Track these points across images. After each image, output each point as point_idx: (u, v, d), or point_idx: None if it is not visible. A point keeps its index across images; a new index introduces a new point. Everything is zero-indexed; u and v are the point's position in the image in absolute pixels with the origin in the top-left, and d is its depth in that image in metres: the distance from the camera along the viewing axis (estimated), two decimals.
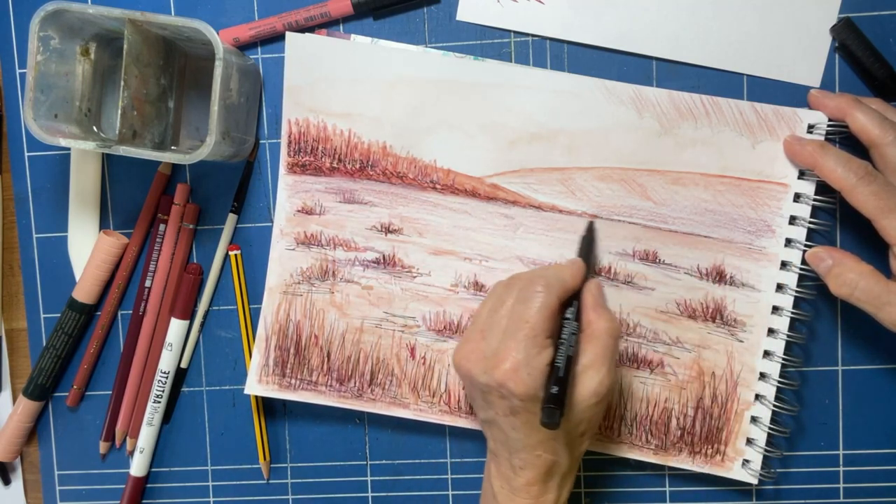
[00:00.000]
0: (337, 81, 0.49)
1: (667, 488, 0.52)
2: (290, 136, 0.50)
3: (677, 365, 0.50)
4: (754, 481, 0.49)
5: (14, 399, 0.55)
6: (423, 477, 0.54)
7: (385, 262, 0.51)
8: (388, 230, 0.51)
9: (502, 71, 0.49)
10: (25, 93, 0.45)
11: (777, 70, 0.49)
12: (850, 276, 0.44)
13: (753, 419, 0.49)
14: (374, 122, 0.50)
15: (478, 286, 0.50)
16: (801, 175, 0.47)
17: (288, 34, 0.49)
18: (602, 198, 0.49)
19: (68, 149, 0.52)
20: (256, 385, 0.51)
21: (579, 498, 0.53)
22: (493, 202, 0.50)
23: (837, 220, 0.49)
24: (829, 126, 0.47)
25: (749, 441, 0.49)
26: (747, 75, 0.49)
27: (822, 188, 0.46)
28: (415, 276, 0.51)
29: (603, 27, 0.49)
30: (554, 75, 0.49)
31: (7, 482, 0.56)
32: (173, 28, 0.45)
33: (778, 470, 0.51)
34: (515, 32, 0.50)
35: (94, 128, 0.51)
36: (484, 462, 0.48)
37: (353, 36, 0.50)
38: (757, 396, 0.49)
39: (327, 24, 0.50)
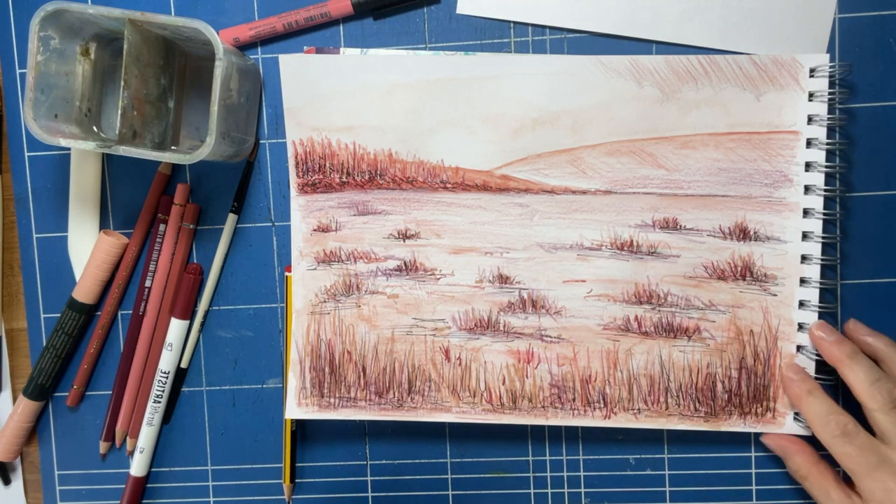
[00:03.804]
0: (334, 97, 0.49)
1: (666, 488, 0.52)
2: (296, 157, 0.50)
3: (714, 328, 0.49)
4: (808, 433, 0.49)
5: (14, 399, 0.55)
6: (423, 477, 0.53)
7: (407, 269, 0.51)
8: (405, 236, 0.50)
9: (495, 62, 0.49)
10: (25, 93, 0.45)
11: (782, 45, 0.48)
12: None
13: None
14: (377, 131, 0.50)
15: (502, 279, 0.50)
16: (811, 120, 0.47)
17: (280, 57, 0.49)
18: (613, 172, 0.49)
19: (68, 149, 0.52)
20: (297, 409, 0.51)
21: (579, 498, 0.52)
22: (505, 193, 0.50)
23: (840, 224, 0.49)
24: (830, 67, 0.46)
25: None
26: (752, 54, 0.48)
27: (833, 131, 0.46)
28: (438, 278, 0.50)
29: (602, 12, 0.49)
30: (547, 58, 0.49)
31: (7, 482, 0.56)
32: (173, 28, 0.45)
33: (777, 470, 0.51)
34: (514, 23, 0.50)
35: (94, 128, 0.50)
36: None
37: (342, 49, 0.50)
38: (798, 348, 0.49)
39: (327, 25, 0.51)
